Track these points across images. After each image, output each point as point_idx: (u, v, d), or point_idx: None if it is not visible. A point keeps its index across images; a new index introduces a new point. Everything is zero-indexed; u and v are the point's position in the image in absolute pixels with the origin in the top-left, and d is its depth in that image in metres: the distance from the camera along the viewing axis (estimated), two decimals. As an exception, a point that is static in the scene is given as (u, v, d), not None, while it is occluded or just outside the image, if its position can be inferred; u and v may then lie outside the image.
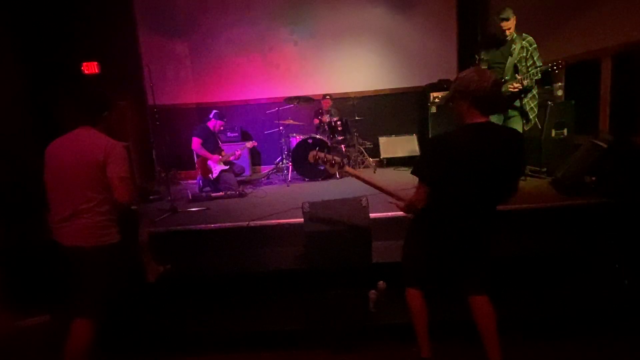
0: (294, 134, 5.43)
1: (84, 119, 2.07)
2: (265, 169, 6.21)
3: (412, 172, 1.80)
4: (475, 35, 3.59)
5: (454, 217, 1.80)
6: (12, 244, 2.99)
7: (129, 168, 2.06)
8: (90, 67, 5.12)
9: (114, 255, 2.05)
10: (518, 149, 1.73)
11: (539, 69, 3.31)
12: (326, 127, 5.48)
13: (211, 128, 4.85)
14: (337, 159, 2.12)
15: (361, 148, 5.67)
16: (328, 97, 5.73)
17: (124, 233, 2.14)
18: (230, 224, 3.25)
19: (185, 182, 5.79)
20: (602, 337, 2.28)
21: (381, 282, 2.57)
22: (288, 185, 4.95)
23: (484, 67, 3.51)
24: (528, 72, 3.36)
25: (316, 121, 5.75)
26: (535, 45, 3.42)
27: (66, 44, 5.02)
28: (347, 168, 2.13)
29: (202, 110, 6.00)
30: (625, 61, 3.93)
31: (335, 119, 5.49)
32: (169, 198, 3.95)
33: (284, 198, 4.13)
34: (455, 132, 1.73)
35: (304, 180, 5.12)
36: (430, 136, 5.30)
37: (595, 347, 2.23)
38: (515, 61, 3.42)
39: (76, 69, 5.01)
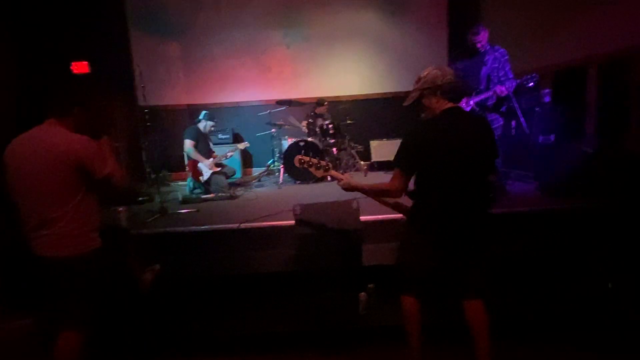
0: (286, 137, 5.44)
1: (52, 110, 1.85)
2: (257, 172, 6.19)
3: (392, 163, 1.85)
4: (465, 40, 3.68)
5: (445, 209, 1.81)
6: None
7: (105, 159, 1.88)
8: (80, 67, 5.05)
9: (93, 264, 1.88)
10: (489, 128, 1.90)
11: (514, 82, 3.45)
12: (318, 130, 5.49)
13: (202, 129, 4.83)
14: (323, 162, 2.12)
15: (353, 151, 5.69)
16: (326, 103, 5.71)
17: (111, 242, 2.04)
18: (221, 225, 3.23)
19: (175, 183, 5.75)
20: (586, 340, 2.31)
21: (371, 284, 2.58)
22: (279, 188, 4.94)
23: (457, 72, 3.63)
24: (502, 82, 3.48)
25: (304, 123, 5.71)
26: (507, 57, 3.56)
27: (55, 44, 4.96)
28: (332, 171, 2.12)
29: (193, 112, 5.95)
30: (611, 69, 4.03)
31: (326, 122, 5.51)
32: (159, 200, 3.92)
33: (275, 200, 4.12)
34: (431, 120, 1.85)
35: (296, 182, 5.12)
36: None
37: (577, 350, 2.26)
38: (489, 71, 3.54)
39: (66, 69, 4.94)
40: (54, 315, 1.92)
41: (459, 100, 1.94)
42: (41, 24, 4.80)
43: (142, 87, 3.93)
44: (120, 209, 3.34)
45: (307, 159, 2.13)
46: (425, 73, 1.88)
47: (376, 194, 1.99)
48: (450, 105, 1.84)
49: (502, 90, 3.41)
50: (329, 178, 2.18)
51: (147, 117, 4.00)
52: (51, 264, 1.82)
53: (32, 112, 4.37)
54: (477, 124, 1.88)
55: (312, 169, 2.13)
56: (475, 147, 1.79)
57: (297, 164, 2.16)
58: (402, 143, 1.86)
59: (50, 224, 1.78)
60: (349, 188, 2.03)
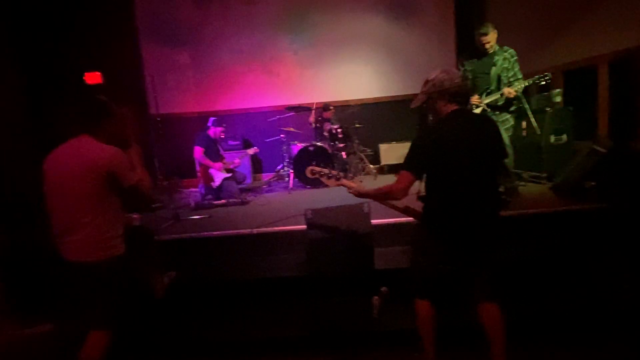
0: (295, 142, 5.47)
1: (82, 127, 2.00)
2: (267, 177, 6.24)
3: (401, 166, 1.86)
4: (473, 42, 3.68)
5: (455, 210, 1.81)
6: (14, 252, 3.00)
7: (133, 168, 2.02)
8: (93, 78, 5.16)
9: (120, 268, 2.00)
10: (496, 129, 1.92)
11: (522, 84, 3.41)
12: (327, 134, 5.52)
13: (212, 136, 4.89)
14: (334, 172, 2.15)
15: (362, 155, 5.70)
16: (331, 108, 5.75)
17: (132, 246, 2.11)
18: (233, 231, 3.27)
19: (187, 190, 5.81)
20: (602, 340, 2.28)
21: (384, 288, 2.58)
22: (290, 193, 4.97)
23: (464, 75, 3.68)
24: (511, 83, 3.47)
25: (311, 119, 5.73)
26: (516, 58, 3.56)
27: (68, 55, 5.08)
28: (343, 181, 2.14)
29: (204, 119, 5.98)
30: (622, 67, 3.98)
31: (335, 126, 5.53)
32: (172, 206, 3.97)
33: (286, 205, 4.14)
34: (440, 122, 1.87)
35: (306, 187, 5.14)
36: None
37: (595, 351, 2.23)
38: (499, 72, 3.53)
39: (78, 80, 5.05)
40: (78, 319, 2.00)
41: (467, 103, 1.95)
42: (53, 36, 4.92)
43: (155, 96, 3.99)
44: (135, 215, 3.39)
45: (319, 169, 2.17)
46: (433, 76, 1.89)
47: (381, 197, 1.99)
48: (456, 107, 1.86)
49: (509, 91, 3.40)
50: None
51: (160, 124, 4.05)
52: (79, 268, 1.92)
53: (45, 122, 4.51)
54: (483, 125, 1.89)
55: (324, 179, 2.16)
56: (483, 148, 1.79)
57: (309, 175, 2.20)
58: (411, 146, 1.87)
59: (78, 229, 1.89)
60: (357, 195, 2.07)
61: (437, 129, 1.85)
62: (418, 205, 1.99)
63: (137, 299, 2.47)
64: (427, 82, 1.91)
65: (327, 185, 2.22)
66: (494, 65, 3.52)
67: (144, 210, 3.51)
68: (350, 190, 2.07)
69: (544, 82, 3.32)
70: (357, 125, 5.70)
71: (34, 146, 3.93)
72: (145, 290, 2.55)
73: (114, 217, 1.98)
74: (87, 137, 1.98)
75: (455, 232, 1.85)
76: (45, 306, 2.75)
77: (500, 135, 1.93)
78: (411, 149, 1.87)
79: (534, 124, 4.03)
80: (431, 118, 1.97)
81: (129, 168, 1.99)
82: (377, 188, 1.98)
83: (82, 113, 2.03)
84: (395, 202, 2.02)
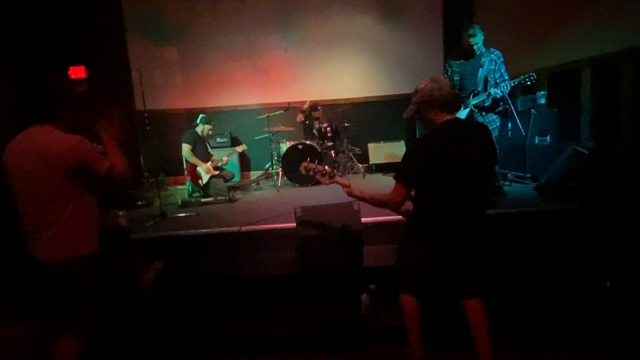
0: (284, 140, 5.46)
1: (40, 112, 1.79)
2: (255, 175, 6.20)
3: (394, 177, 1.88)
4: (461, 43, 3.74)
5: (445, 215, 1.84)
6: (2, 251, 2.92)
7: (102, 155, 1.85)
8: (77, 72, 5.06)
9: (92, 266, 1.86)
10: (489, 136, 1.93)
11: (509, 84, 3.48)
12: (316, 132, 5.52)
13: (199, 133, 4.84)
14: (328, 168, 2.13)
15: (350, 154, 5.72)
16: (319, 108, 5.70)
17: (110, 243, 2.03)
18: (221, 229, 3.24)
19: (173, 187, 5.74)
20: (585, 340, 2.33)
21: (373, 285, 2.60)
22: (278, 191, 4.96)
23: (455, 77, 3.74)
24: (498, 84, 3.54)
25: (300, 117, 5.71)
26: (503, 59, 3.63)
27: (53, 49, 4.97)
28: (337, 178, 2.12)
29: (192, 116, 5.95)
30: (604, 71, 4.10)
31: (325, 124, 5.54)
32: (158, 203, 3.92)
33: (274, 203, 4.14)
34: (432, 133, 1.88)
35: (294, 185, 5.14)
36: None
37: (577, 350, 2.27)
38: (486, 73, 3.60)
39: (63, 74, 4.95)
40: (54, 319, 1.91)
41: (457, 110, 1.96)
42: (39, 29, 4.80)
43: (142, 91, 3.93)
44: (120, 212, 3.34)
45: (314, 166, 2.13)
46: (422, 86, 1.88)
47: (376, 204, 2.00)
48: (448, 117, 1.86)
49: (496, 92, 3.47)
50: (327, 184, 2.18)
51: (147, 120, 4.00)
52: (48, 266, 1.80)
53: (32, 119, 4.39)
54: (477, 133, 1.91)
55: (317, 176, 2.13)
56: (475, 157, 1.81)
57: (302, 171, 2.16)
58: (403, 156, 1.88)
59: (46, 226, 1.76)
60: (352, 196, 2.06)
61: (430, 139, 1.86)
62: (409, 205, 2.01)
63: (116, 298, 2.41)
64: (416, 91, 1.91)
65: (316, 184, 2.20)
66: (481, 66, 3.58)
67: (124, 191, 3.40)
68: (345, 189, 2.04)
69: (529, 83, 3.39)
70: (346, 124, 5.72)
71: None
72: (128, 287, 2.51)
73: (87, 213, 1.85)
74: (48, 126, 1.77)
75: (443, 233, 1.88)
76: (33, 304, 2.68)
77: (492, 142, 1.95)
78: (404, 160, 1.88)
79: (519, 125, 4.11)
80: (424, 128, 1.96)
81: (96, 156, 1.80)
82: (373, 195, 1.99)
83: (40, 96, 1.80)
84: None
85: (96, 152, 1.83)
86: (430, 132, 1.89)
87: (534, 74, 3.38)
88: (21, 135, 1.80)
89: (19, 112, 4.30)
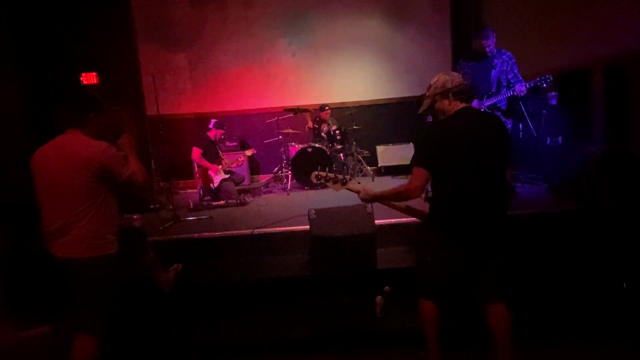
0: (293, 143, 5.48)
1: (69, 121, 1.95)
2: (264, 178, 6.23)
3: (410, 162, 1.85)
4: (470, 45, 3.75)
5: (464, 208, 1.80)
6: (13, 254, 2.96)
7: (125, 162, 1.99)
8: (89, 78, 5.14)
9: (111, 267, 1.94)
10: (504, 127, 1.94)
11: (526, 84, 3.48)
12: (324, 135, 5.54)
13: (212, 137, 4.89)
14: (340, 176, 2.11)
15: (359, 157, 5.73)
16: (327, 108, 5.79)
17: (128, 245, 2.08)
18: (234, 231, 3.27)
19: (184, 191, 5.79)
20: (602, 341, 2.32)
21: (387, 287, 2.60)
22: (288, 194, 4.98)
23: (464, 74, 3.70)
24: (511, 85, 3.55)
25: (310, 124, 5.77)
26: (515, 60, 3.63)
27: (65, 55, 5.05)
28: (349, 185, 2.11)
29: (201, 120, 6.02)
30: (616, 71, 4.07)
31: (333, 127, 5.56)
32: (171, 207, 3.96)
33: (285, 206, 4.16)
34: (447, 119, 1.88)
35: (304, 188, 5.16)
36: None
37: (594, 351, 2.26)
38: (499, 75, 3.62)
39: (75, 80, 5.03)
40: (72, 320, 1.95)
41: (471, 100, 1.97)
42: (51, 35, 4.89)
43: (156, 96, 3.99)
44: (135, 216, 3.39)
45: (324, 174, 2.12)
46: (435, 79, 1.92)
47: (395, 197, 1.98)
48: (462, 105, 1.88)
49: (521, 89, 3.45)
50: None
51: (160, 125, 4.05)
52: (69, 265, 1.88)
53: (44, 122, 4.47)
54: (491, 121, 1.92)
55: (329, 184, 2.12)
56: (490, 145, 1.80)
57: (314, 181, 2.15)
58: (418, 142, 1.90)
59: (70, 226, 1.85)
60: (368, 199, 2.04)
61: (444, 126, 1.86)
62: (420, 205, 2.00)
63: (131, 301, 2.45)
64: (430, 86, 1.94)
65: (324, 186, 2.19)
66: (494, 68, 3.58)
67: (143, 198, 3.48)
68: (360, 195, 2.02)
69: (545, 85, 3.38)
70: (355, 127, 5.74)
71: (33, 148, 3.90)
72: (151, 288, 2.54)
73: (107, 216, 1.94)
74: (76, 133, 1.93)
75: (464, 233, 1.84)
76: (44, 308, 2.72)
77: (507, 131, 1.94)
78: (419, 146, 1.90)
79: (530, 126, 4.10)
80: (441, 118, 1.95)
81: (121, 162, 1.95)
82: (390, 189, 1.96)
83: (70, 108, 1.98)
84: (396, 203, 2.03)
85: (120, 158, 1.96)
86: (444, 119, 1.89)
87: (549, 75, 3.36)
88: (52, 141, 1.94)
89: (29, 115, 4.42)
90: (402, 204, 2.03)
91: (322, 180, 2.15)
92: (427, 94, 1.95)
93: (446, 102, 1.88)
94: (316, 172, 2.17)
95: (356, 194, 2.05)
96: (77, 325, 1.92)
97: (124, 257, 2.04)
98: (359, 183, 2.14)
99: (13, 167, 3.59)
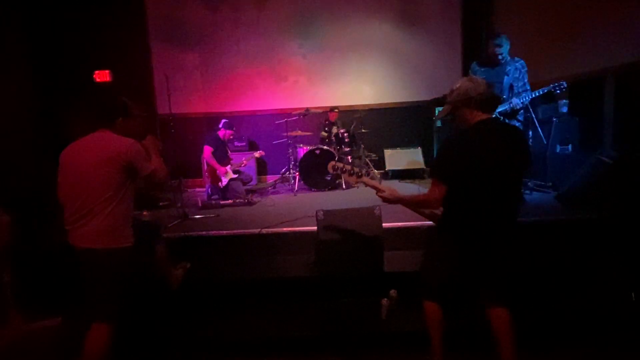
0: (301, 145, 5.51)
1: (99, 123, 2.10)
2: (271, 179, 6.27)
3: (430, 174, 1.87)
4: (480, 51, 3.75)
5: (475, 218, 1.82)
6: (25, 246, 3.01)
7: (149, 158, 2.14)
8: (102, 76, 5.23)
9: (128, 259, 2.04)
10: (523, 139, 1.94)
11: (530, 95, 3.48)
12: (333, 138, 5.56)
13: (221, 137, 4.93)
14: (357, 168, 2.15)
15: (367, 160, 5.74)
16: (336, 110, 5.83)
17: (141, 240, 2.15)
18: (241, 230, 3.29)
19: (192, 190, 5.84)
20: (608, 349, 2.30)
21: (393, 290, 2.60)
22: (295, 195, 5.00)
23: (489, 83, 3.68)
24: (520, 93, 3.55)
25: (323, 134, 5.84)
26: (527, 69, 3.62)
27: (79, 54, 5.14)
28: (364, 178, 2.14)
29: (211, 120, 6.08)
30: (628, 79, 4.04)
31: (342, 130, 5.58)
32: (179, 205, 4.00)
33: (292, 207, 4.17)
34: (467, 131, 1.86)
35: (311, 190, 5.18)
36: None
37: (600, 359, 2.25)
38: (511, 81, 3.62)
39: (88, 78, 5.11)
40: (86, 309, 2.00)
41: (493, 111, 1.94)
42: (64, 36, 4.99)
43: (169, 95, 4.04)
44: (144, 212, 3.43)
45: (342, 165, 2.17)
46: (458, 85, 1.88)
47: (416, 204, 2.01)
48: (484, 116, 1.85)
49: (516, 103, 3.47)
50: (344, 186, 2.21)
51: (171, 124, 4.10)
52: (88, 256, 1.96)
53: (56, 118, 4.54)
54: (511, 134, 1.89)
55: (345, 175, 2.15)
56: (509, 158, 1.79)
57: (330, 170, 2.21)
58: (438, 153, 1.90)
59: (93, 217, 1.94)
60: (393, 200, 2.02)
61: (464, 140, 1.85)
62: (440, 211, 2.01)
63: (144, 294, 2.50)
64: (452, 91, 1.91)
65: (332, 189, 2.22)
66: (507, 74, 3.58)
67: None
68: (382, 194, 2.02)
69: (559, 91, 3.37)
70: (363, 130, 5.75)
71: (46, 142, 3.97)
72: (160, 283, 2.57)
73: (127, 209, 2.04)
74: (106, 132, 2.08)
75: (473, 239, 1.86)
76: (54, 300, 2.76)
77: (526, 144, 1.93)
78: (438, 157, 1.90)
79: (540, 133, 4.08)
80: (458, 127, 1.94)
81: (145, 158, 2.09)
82: (413, 196, 2.00)
83: (102, 112, 2.12)
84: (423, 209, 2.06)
85: (144, 154, 2.09)
86: (464, 130, 1.88)
87: (563, 82, 3.35)
88: (82, 138, 2.09)
89: (43, 112, 4.49)
90: (427, 210, 2.05)
91: (339, 171, 2.19)
92: (449, 99, 1.92)
93: (467, 111, 1.86)
94: (333, 162, 2.23)
95: (368, 197, 2.06)
96: (91, 314, 1.99)
97: (139, 250, 2.13)
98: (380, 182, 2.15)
99: (26, 162, 3.66)
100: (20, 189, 3.48)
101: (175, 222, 3.66)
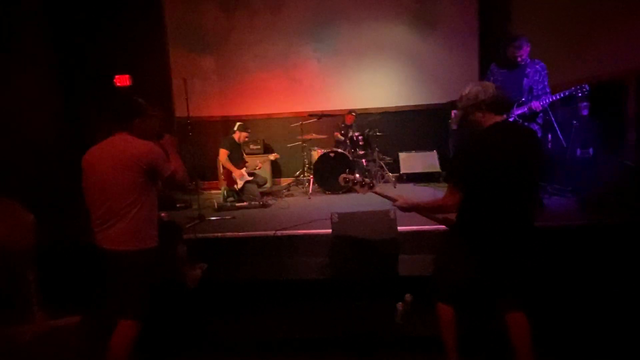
0: (315, 148, 5.53)
1: (116, 125, 2.11)
2: (286, 182, 6.31)
3: (445, 178, 1.87)
4: (497, 53, 3.70)
5: (490, 222, 1.81)
6: (48, 245, 3.10)
7: (168, 159, 2.15)
8: (122, 80, 5.35)
9: (153, 259, 2.09)
10: (537, 140, 1.92)
11: (550, 98, 3.42)
12: (348, 141, 5.57)
13: (236, 139, 4.99)
14: (367, 180, 2.17)
15: (381, 163, 5.73)
16: (353, 113, 5.84)
17: (163, 239, 2.19)
18: (257, 232, 3.32)
19: (208, 191, 5.92)
20: (626, 356, 2.26)
21: (408, 294, 2.59)
22: (309, 198, 5.02)
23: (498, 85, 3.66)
24: (539, 96, 3.49)
25: (337, 134, 5.86)
26: (547, 71, 3.55)
27: (99, 58, 5.28)
28: (376, 189, 2.16)
29: (227, 123, 6.16)
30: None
31: (357, 133, 5.58)
32: (196, 206, 4.06)
33: (306, 209, 4.19)
34: (482, 134, 1.86)
35: (325, 192, 5.19)
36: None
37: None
38: (531, 84, 3.56)
39: (108, 82, 5.24)
40: (109, 308, 2.06)
41: (506, 112, 1.94)
42: (85, 40, 5.13)
43: (187, 98, 4.12)
44: (162, 214, 3.48)
45: (352, 177, 2.20)
46: (467, 91, 1.89)
47: (432, 210, 2.01)
48: (497, 119, 1.85)
49: (536, 106, 3.41)
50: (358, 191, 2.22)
51: (189, 127, 4.18)
52: (115, 257, 2.01)
53: (78, 121, 4.67)
54: (525, 136, 1.89)
55: (356, 187, 2.18)
56: (524, 161, 1.78)
57: (342, 183, 2.23)
58: (453, 158, 1.90)
59: (119, 220, 1.99)
60: (408, 208, 2.03)
61: (478, 144, 1.84)
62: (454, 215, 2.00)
63: (166, 292, 2.55)
64: (461, 97, 1.92)
65: (347, 192, 2.25)
66: (526, 76, 3.53)
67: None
68: (397, 203, 2.04)
69: (580, 94, 3.31)
70: (378, 133, 5.74)
71: (70, 144, 4.10)
72: (178, 282, 2.62)
73: (151, 211, 2.08)
74: (124, 135, 2.10)
75: (489, 243, 1.84)
76: (75, 298, 2.83)
77: (541, 146, 1.93)
78: (453, 162, 1.90)
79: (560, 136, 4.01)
80: (472, 131, 1.94)
81: (165, 160, 2.12)
82: (427, 202, 2.01)
83: (119, 113, 2.14)
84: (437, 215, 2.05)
85: (164, 157, 2.12)
86: (478, 134, 1.87)
87: (586, 85, 3.29)
88: (102, 142, 2.10)
89: (65, 115, 4.62)
90: (441, 215, 2.04)
91: (350, 183, 2.21)
92: (460, 105, 1.93)
93: (479, 114, 1.86)
94: (344, 175, 2.25)
95: (383, 200, 2.08)
96: (120, 311, 2.05)
97: (163, 250, 2.18)
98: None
99: (51, 163, 3.78)
100: (44, 189, 3.58)
101: (192, 223, 3.72)
